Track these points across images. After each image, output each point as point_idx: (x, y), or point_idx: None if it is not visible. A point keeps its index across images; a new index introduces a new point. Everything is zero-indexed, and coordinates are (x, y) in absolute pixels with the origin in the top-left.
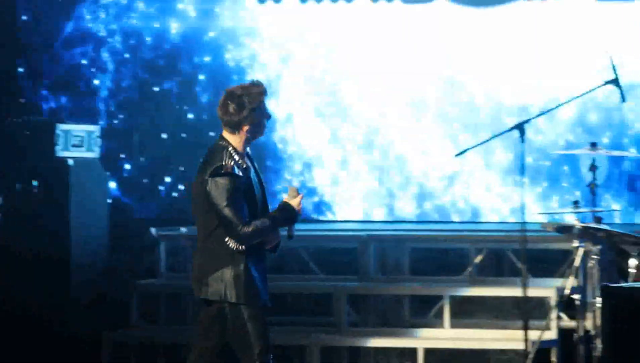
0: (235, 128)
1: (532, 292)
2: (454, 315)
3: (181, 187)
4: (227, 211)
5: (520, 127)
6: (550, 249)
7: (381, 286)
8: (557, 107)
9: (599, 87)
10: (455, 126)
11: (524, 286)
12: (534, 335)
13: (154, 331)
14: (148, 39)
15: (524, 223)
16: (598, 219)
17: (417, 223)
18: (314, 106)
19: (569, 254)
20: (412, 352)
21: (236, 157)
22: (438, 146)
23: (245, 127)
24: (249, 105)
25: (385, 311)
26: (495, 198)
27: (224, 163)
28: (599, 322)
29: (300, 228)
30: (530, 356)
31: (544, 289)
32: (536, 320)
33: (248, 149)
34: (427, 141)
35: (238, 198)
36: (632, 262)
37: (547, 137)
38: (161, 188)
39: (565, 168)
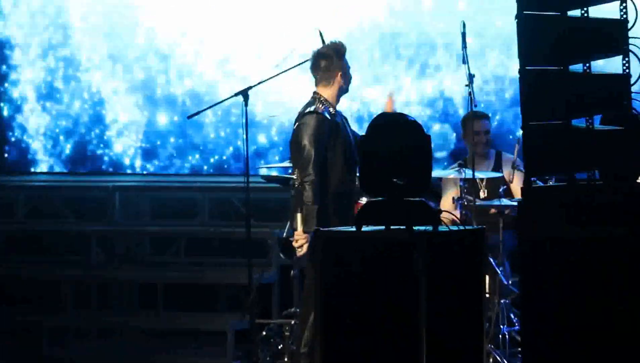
0: (329, 79)
1: (255, 235)
2: (188, 253)
3: None
4: (307, 149)
5: (244, 93)
6: (270, 198)
7: (126, 229)
8: (270, 78)
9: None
10: None
11: (248, 229)
12: (256, 272)
13: None
14: None
15: (248, 175)
16: None
17: (155, 175)
18: None
19: (286, 202)
20: (153, 286)
21: (327, 104)
22: None
23: (338, 75)
24: (336, 56)
25: (129, 250)
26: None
27: (314, 107)
28: None
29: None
30: (254, 290)
31: (265, 232)
32: (258, 259)
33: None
34: None
35: (321, 140)
36: None
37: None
38: None
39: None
